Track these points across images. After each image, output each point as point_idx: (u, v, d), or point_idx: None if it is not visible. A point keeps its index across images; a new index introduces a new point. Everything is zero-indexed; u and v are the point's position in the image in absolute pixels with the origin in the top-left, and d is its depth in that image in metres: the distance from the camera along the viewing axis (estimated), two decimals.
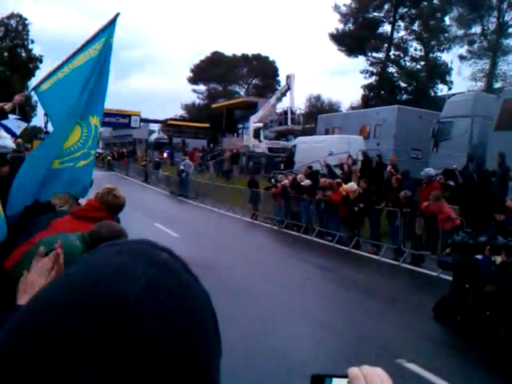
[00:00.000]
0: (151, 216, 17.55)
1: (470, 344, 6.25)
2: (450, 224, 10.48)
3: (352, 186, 13.63)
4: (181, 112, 64.76)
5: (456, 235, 8.44)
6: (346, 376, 0.82)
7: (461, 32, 37.46)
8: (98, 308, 0.52)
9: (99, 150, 50.28)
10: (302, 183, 15.99)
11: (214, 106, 50.65)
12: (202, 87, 62.85)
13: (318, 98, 58.40)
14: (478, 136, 18.71)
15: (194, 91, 63.56)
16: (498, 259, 6.33)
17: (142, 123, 49.67)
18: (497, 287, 6.00)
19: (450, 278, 7.91)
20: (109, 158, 47.70)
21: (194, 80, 61.74)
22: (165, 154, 44.93)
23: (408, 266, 11.05)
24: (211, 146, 43.92)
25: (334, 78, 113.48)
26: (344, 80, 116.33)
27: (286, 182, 17.13)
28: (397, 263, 11.30)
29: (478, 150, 17.62)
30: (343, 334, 6.85)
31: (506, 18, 35.26)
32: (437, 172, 16.77)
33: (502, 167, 14.04)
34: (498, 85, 33.94)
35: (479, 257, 6.61)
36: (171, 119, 52.00)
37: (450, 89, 38.31)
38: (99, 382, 0.49)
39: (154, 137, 51.19)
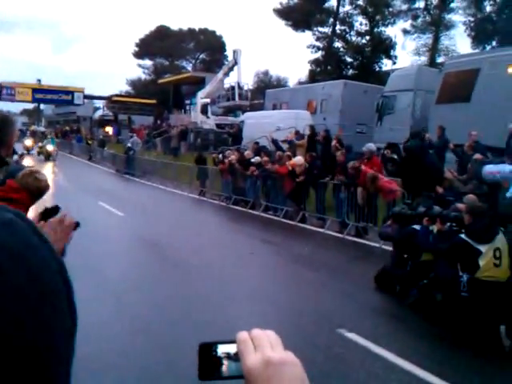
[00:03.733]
0: (95, 195, 17.13)
1: (409, 312, 6.40)
2: (392, 196, 10.68)
3: (299, 159, 13.68)
4: (126, 88, 63.33)
5: (396, 207, 8.60)
6: (234, 341, 0.80)
7: (405, 6, 37.97)
8: None
9: (42, 129, 48.64)
10: (252, 160, 15.93)
11: (160, 81, 49.72)
12: (147, 62, 61.57)
13: (265, 73, 58.25)
14: (421, 109, 19.09)
15: (140, 66, 62.21)
16: (435, 228, 6.48)
17: (85, 100, 48.41)
18: (433, 255, 6.14)
19: (391, 249, 8.08)
20: (51, 136, 46.25)
21: (139, 54, 60.27)
22: (109, 131, 43.84)
23: (352, 239, 11.22)
24: (158, 122, 43.19)
25: (282, 53, 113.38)
26: (291, 55, 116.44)
27: (233, 157, 17.03)
28: (341, 236, 11.45)
29: (421, 123, 17.97)
30: (285, 306, 6.89)
31: None
32: (378, 146, 17.07)
33: (441, 139, 14.39)
34: (440, 59, 34.69)
35: (417, 227, 6.75)
36: (116, 95, 50.84)
37: (394, 63, 38.97)
38: None
39: (98, 114, 49.97)
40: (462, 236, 5.58)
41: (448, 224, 6.28)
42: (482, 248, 5.43)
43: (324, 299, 7.13)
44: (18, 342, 0.48)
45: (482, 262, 5.39)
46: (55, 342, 0.53)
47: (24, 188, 3.33)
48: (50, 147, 31.29)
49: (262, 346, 0.77)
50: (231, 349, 0.80)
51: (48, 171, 22.37)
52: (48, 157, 30.60)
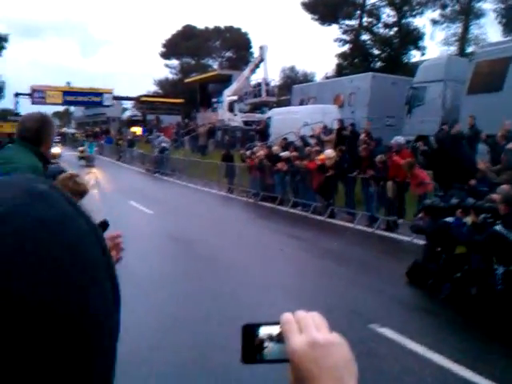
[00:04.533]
0: (126, 194, 17.32)
1: (442, 306, 6.27)
2: (423, 189, 10.48)
3: (330, 152, 13.58)
4: (154, 88, 63.83)
5: (428, 199, 8.43)
6: (278, 323, 0.78)
7: None
8: None
9: (72, 130, 49.44)
10: (281, 154, 15.88)
11: (187, 80, 49.91)
12: (174, 62, 61.87)
13: (292, 69, 57.93)
14: (451, 100, 18.70)
15: (167, 66, 62.56)
16: (469, 220, 6.31)
17: (114, 101, 48.98)
18: (467, 248, 5.97)
19: (423, 243, 7.92)
20: (83, 138, 47.00)
21: (166, 55, 60.65)
22: (138, 131, 44.21)
23: (382, 233, 11.06)
24: (186, 121, 43.41)
25: (308, 48, 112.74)
26: (318, 50, 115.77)
27: (261, 153, 17.01)
28: (371, 230, 11.30)
29: (452, 114, 17.61)
30: (315, 302, 6.80)
31: None
32: (408, 139, 16.81)
33: (473, 129, 14.08)
34: (470, 49, 33.97)
35: (450, 219, 6.59)
36: (144, 96, 51.34)
37: (423, 54, 38.35)
38: None
39: (127, 114, 50.51)
40: (497, 228, 5.41)
41: (482, 216, 6.11)
42: None
43: (355, 294, 7.02)
44: (58, 311, 0.47)
45: None
46: (95, 313, 0.51)
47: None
48: (89, 152, 31.37)
49: (308, 327, 0.75)
50: (275, 330, 0.78)
51: (90, 176, 22.36)
52: (88, 161, 30.02)
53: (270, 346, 0.77)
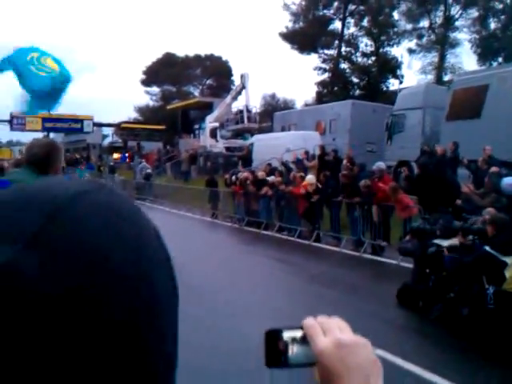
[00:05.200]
0: None
1: (434, 327, 6.34)
2: (408, 213, 10.65)
3: (311, 178, 13.73)
4: (134, 115, 63.88)
5: (414, 222, 8.57)
6: (301, 327, 0.80)
7: (409, 26, 38.33)
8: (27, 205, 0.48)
9: None
10: (268, 179, 16.03)
11: (169, 107, 50.10)
12: (155, 89, 62.08)
13: (272, 96, 58.63)
14: (431, 127, 19.12)
15: (148, 93, 62.76)
16: (457, 242, 6.44)
17: (94, 127, 48.80)
18: (450, 275, 6.06)
19: (410, 266, 8.02)
20: (63, 165, 46.59)
21: (146, 82, 60.89)
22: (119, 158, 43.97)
23: (369, 256, 11.17)
24: (167, 147, 43.46)
25: (288, 76, 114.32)
26: (298, 77, 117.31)
27: (246, 174, 17.19)
28: (357, 254, 11.40)
29: (431, 140, 17.99)
30: None
31: (453, 12, 36.24)
32: (389, 165, 17.12)
33: (454, 154, 14.41)
34: (447, 77, 34.89)
35: (437, 241, 6.72)
36: (125, 122, 51.32)
37: (401, 83, 39.06)
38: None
39: (107, 141, 50.32)
40: (487, 248, 5.54)
41: (470, 237, 6.25)
42: (508, 259, 5.40)
43: (346, 317, 6.92)
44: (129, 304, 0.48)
45: (508, 274, 5.35)
46: (159, 313, 0.52)
47: None
48: None
49: (331, 329, 0.78)
50: (298, 334, 0.80)
51: None
52: None
53: (294, 350, 0.79)
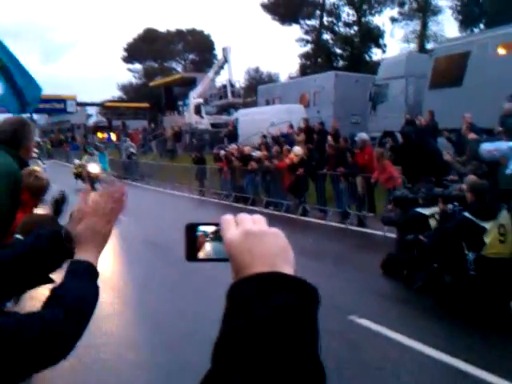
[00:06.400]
0: None
1: (417, 296, 6.47)
2: (392, 183, 10.73)
3: (298, 150, 13.77)
4: (118, 93, 63.23)
5: (395, 191, 8.67)
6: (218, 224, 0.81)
7: None
8: None
9: (37, 139, 48.49)
10: (254, 153, 16.03)
11: (151, 84, 49.61)
12: (137, 66, 61.49)
13: (256, 70, 58.26)
14: (414, 96, 19.16)
15: (130, 70, 62.11)
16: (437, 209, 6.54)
17: (78, 107, 48.32)
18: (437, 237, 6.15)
19: (395, 236, 8.14)
20: (48, 146, 46.09)
21: (128, 59, 60.16)
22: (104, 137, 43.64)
23: (354, 228, 11.28)
24: (152, 125, 43.17)
25: (271, 49, 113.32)
26: (281, 50, 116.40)
27: (232, 150, 17.21)
28: (344, 226, 11.52)
29: (415, 109, 18.03)
30: None
31: None
32: (373, 136, 17.17)
33: (431, 123, 14.48)
34: (429, 45, 34.75)
35: (420, 209, 6.80)
36: (109, 101, 50.88)
37: (384, 52, 39.11)
38: None
39: (92, 121, 49.85)
40: (466, 214, 5.64)
41: (451, 205, 6.35)
42: (487, 225, 5.50)
43: (332, 288, 7.17)
44: None
45: (487, 240, 5.45)
46: None
47: (26, 188, 3.37)
48: (94, 168, 18.97)
49: (244, 222, 0.78)
50: (215, 229, 0.83)
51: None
52: (92, 182, 17.40)
53: (211, 245, 0.83)
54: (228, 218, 0.80)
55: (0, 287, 1.30)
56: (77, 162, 22.41)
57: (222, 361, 0.64)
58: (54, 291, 1.21)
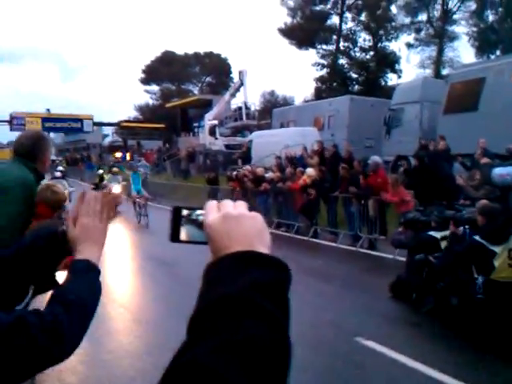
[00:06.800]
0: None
1: (425, 318, 6.37)
2: (405, 207, 10.66)
3: (311, 171, 13.80)
4: (134, 114, 64.01)
5: (408, 214, 8.59)
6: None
7: (407, 20, 38.31)
8: None
9: (53, 157, 49.11)
10: (267, 175, 16.07)
11: (168, 105, 50.14)
12: (154, 87, 62.24)
13: (271, 93, 58.69)
14: (428, 121, 19.11)
15: (147, 92, 62.89)
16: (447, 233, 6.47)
17: (94, 127, 48.91)
18: (447, 260, 6.09)
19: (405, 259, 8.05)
20: (63, 164, 46.60)
21: (145, 80, 60.99)
22: (118, 155, 44.00)
23: (365, 251, 11.19)
24: (167, 146, 43.50)
25: (287, 72, 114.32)
26: (297, 74, 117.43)
27: (245, 171, 17.26)
28: (354, 249, 11.43)
29: (429, 134, 17.98)
30: (302, 318, 6.85)
31: (450, 5, 36.18)
32: (387, 159, 17.14)
33: (445, 147, 14.39)
34: (445, 71, 34.84)
35: (432, 233, 6.74)
36: (125, 121, 51.39)
37: (399, 77, 39.21)
38: None
39: (107, 140, 50.40)
40: (477, 238, 5.57)
41: (462, 228, 6.28)
42: (497, 249, 5.42)
43: (340, 310, 7.11)
44: None
45: (496, 263, 5.38)
46: None
47: (43, 202, 3.46)
48: (117, 189, 16.53)
49: (225, 207, 0.81)
50: (199, 214, 0.85)
51: None
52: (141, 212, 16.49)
53: (194, 228, 0.86)
54: (211, 203, 0.83)
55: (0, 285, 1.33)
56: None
57: (195, 334, 0.66)
58: (54, 291, 1.24)
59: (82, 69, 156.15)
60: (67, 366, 4.78)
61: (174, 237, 0.88)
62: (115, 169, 19.75)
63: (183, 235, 0.88)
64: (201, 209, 0.85)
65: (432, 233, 6.82)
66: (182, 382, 0.59)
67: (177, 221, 0.88)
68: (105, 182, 19.04)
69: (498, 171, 7.54)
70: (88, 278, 1.26)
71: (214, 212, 0.80)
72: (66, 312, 1.16)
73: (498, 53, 31.81)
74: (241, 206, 0.82)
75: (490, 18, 34.27)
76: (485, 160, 9.63)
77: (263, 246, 0.77)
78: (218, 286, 0.71)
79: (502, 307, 5.26)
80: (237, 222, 0.77)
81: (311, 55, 64.42)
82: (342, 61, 42.33)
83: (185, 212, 0.89)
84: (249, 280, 0.69)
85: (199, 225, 0.86)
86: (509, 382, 4.68)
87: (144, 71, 60.94)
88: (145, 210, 16.31)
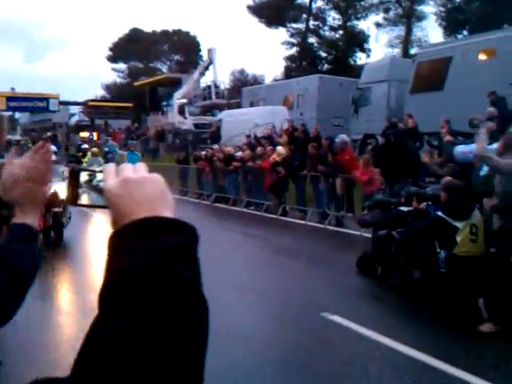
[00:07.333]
0: None
1: (390, 293, 6.51)
2: (372, 186, 10.79)
3: (281, 149, 13.87)
4: (101, 92, 62.80)
5: (376, 195, 8.73)
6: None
7: (376, 0, 38.29)
8: None
9: (18, 137, 48.00)
10: (238, 154, 16.05)
11: (136, 83, 49.32)
12: (122, 66, 61.00)
13: (241, 71, 58.17)
14: (396, 100, 19.30)
15: (114, 70, 61.64)
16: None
17: (61, 106, 47.85)
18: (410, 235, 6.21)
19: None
20: (29, 145, 45.55)
21: (113, 58, 59.76)
22: (84, 135, 43.18)
23: (333, 228, 11.35)
24: (135, 125, 42.92)
25: (257, 51, 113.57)
26: (267, 52, 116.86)
27: (214, 150, 17.25)
28: (322, 226, 11.57)
29: (396, 113, 18.15)
30: (270, 295, 6.96)
31: None
32: (355, 138, 17.29)
33: (413, 126, 14.56)
34: (413, 51, 35.07)
35: (403, 208, 6.85)
36: (92, 100, 50.38)
37: (368, 56, 39.37)
38: None
39: (74, 120, 49.44)
40: (439, 213, 5.69)
41: (425, 203, 6.41)
42: (459, 225, 5.55)
43: (307, 286, 7.20)
44: None
45: (459, 238, 5.51)
46: None
47: None
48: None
49: (123, 171, 0.79)
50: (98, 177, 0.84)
51: None
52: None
53: (93, 192, 0.85)
54: (110, 167, 0.80)
55: None
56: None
57: (111, 307, 0.64)
58: None
59: (49, 47, 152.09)
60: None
61: (72, 200, 0.85)
62: (94, 149, 18.12)
63: (84, 199, 0.86)
64: (100, 171, 0.83)
65: (402, 208, 6.94)
66: (106, 356, 0.57)
67: (75, 183, 0.85)
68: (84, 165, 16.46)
69: (460, 149, 7.69)
70: (26, 242, 1.24)
71: (112, 177, 0.78)
72: (11, 280, 1.17)
73: (465, 33, 32.15)
74: (141, 169, 0.79)
75: None
76: (448, 138, 9.80)
77: (167, 209, 0.75)
78: (126, 255, 0.68)
79: (462, 280, 5.41)
80: (137, 186, 0.75)
81: (281, 34, 64.05)
82: (312, 40, 42.27)
83: (86, 177, 0.86)
84: (158, 246, 0.67)
85: (100, 191, 0.83)
86: (466, 350, 4.85)
87: (111, 49, 59.68)
88: None
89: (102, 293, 0.67)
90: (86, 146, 20.10)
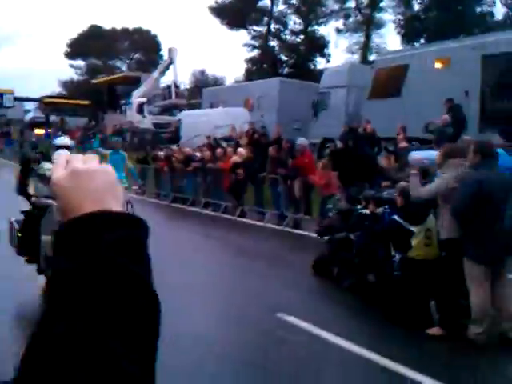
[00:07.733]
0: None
1: (346, 294, 6.61)
2: (329, 189, 10.91)
3: (242, 151, 13.90)
4: (58, 89, 61.41)
5: (337, 203, 8.82)
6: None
7: (337, 6, 38.83)
8: None
9: None
10: (197, 154, 15.97)
11: (94, 81, 48.49)
12: (80, 62, 59.87)
13: (202, 72, 57.96)
14: (354, 105, 19.58)
15: (72, 66, 60.40)
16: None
17: (16, 102, 46.54)
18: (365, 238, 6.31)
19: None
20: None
21: (71, 55, 58.53)
22: (42, 133, 42.15)
23: (290, 230, 11.42)
24: (93, 123, 42.15)
25: (218, 52, 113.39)
26: (228, 54, 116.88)
27: (173, 151, 17.13)
28: (280, 228, 11.64)
29: (354, 118, 18.43)
30: (227, 295, 6.96)
31: None
32: (313, 142, 17.48)
33: (371, 131, 14.89)
34: (372, 57, 35.70)
35: (364, 210, 6.94)
36: (48, 97, 49.19)
37: (328, 61, 39.86)
38: None
39: (29, 116, 48.20)
40: (395, 217, 5.80)
41: (381, 208, 6.52)
42: (414, 229, 5.68)
43: (264, 287, 7.23)
44: None
45: (414, 242, 5.63)
46: None
47: None
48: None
49: (73, 161, 0.76)
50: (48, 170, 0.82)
51: None
52: None
53: (40, 183, 0.84)
54: (60, 157, 0.78)
55: None
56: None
57: (53, 308, 0.63)
58: None
59: (5, 41, 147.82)
60: None
61: (21, 190, 0.83)
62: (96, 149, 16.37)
63: (31, 189, 0.84)
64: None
65: (362, 210, 7.05)
66: (51, 358, 0.57)
67: (24, 174, 0.83)
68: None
69: (415, 155, 7.85)
70: None
71: (61, 168, 0.75)
72: None
73: (422, 41, 32.92)
74: (91, 160, 0.77)
75: (416, 6, 35.35)
76: (403, 144, 10.02)
77: (116, 201, 0.73)
78: (75, 252, 0.66)
79: (415, 283, 5.53)
80: (87, 178, 0.73)
81: (242, 36, 64.21)
82: (273, 43, 42.51)
83: (35, 166, 0.84)
84: (104, 243, 0.66)
85: (48, 180, 0.81)
86: (418, 351, 4.96)
87: (69, 45, 58.46)
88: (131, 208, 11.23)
89: (48, 292, 0.65)
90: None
